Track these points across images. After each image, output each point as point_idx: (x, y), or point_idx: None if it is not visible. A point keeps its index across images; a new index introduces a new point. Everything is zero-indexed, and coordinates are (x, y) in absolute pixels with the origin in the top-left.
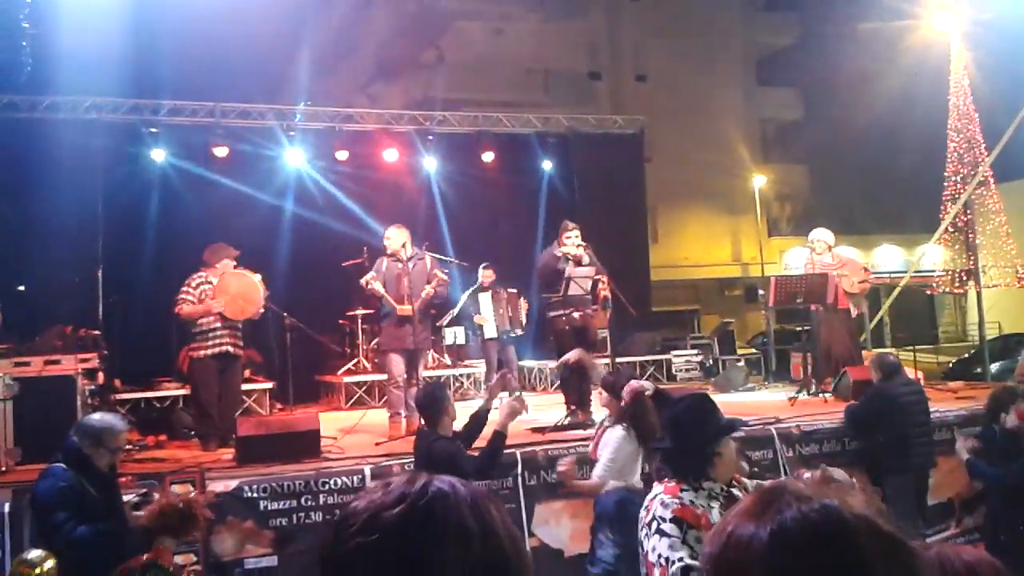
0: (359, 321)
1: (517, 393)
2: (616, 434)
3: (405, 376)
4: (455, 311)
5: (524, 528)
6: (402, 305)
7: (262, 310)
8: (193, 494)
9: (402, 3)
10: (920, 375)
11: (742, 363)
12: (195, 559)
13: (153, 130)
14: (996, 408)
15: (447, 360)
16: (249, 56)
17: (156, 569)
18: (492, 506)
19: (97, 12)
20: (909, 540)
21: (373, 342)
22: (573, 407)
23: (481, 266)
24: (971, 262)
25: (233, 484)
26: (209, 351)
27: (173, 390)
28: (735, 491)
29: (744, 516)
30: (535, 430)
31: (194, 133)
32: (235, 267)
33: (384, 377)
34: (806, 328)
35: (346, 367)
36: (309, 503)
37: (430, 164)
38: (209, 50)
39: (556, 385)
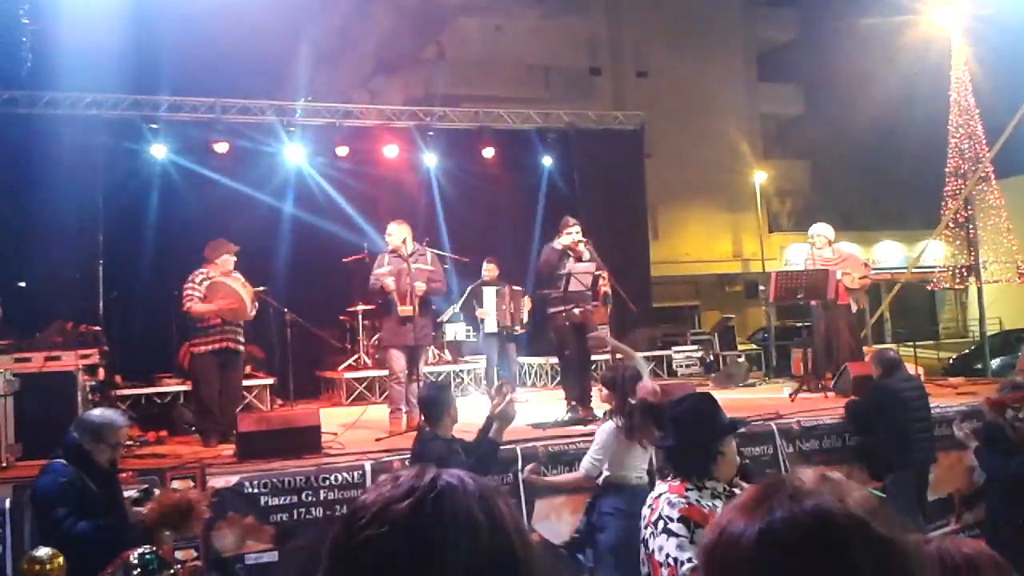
0: (360, 317)
1: (508, 397)
2: (606, 428)
3: (406, 372)
4: (456, 307)
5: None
6: (403, 306)
7: (252, 315)
8: (195, 491)
9: None
10: (920, 371)
11: (742, 359)
12: (195, 555)
13: (153, 126)
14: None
15: (448, 356)
16: (249, 52)
17: (151, 555)
18: (500, 500)
19: (97, 8)
20: (904, 542)
21: (374, 338)
22: (573, 403)
23: (485, 261)
24: (972, 258)
25: (234, 480)
26: (210, 347)
27: (174, 386)
28: (737, 491)
29: (738, 511)
30: (535, 426)
31: (194, 129)
32: (235, 263)
33: (385, 373)
34: (806, 324)
35: (347, 363)
36: (310, 499)
37: (430, 160)
38: (209, 46)
39: (556, 381)
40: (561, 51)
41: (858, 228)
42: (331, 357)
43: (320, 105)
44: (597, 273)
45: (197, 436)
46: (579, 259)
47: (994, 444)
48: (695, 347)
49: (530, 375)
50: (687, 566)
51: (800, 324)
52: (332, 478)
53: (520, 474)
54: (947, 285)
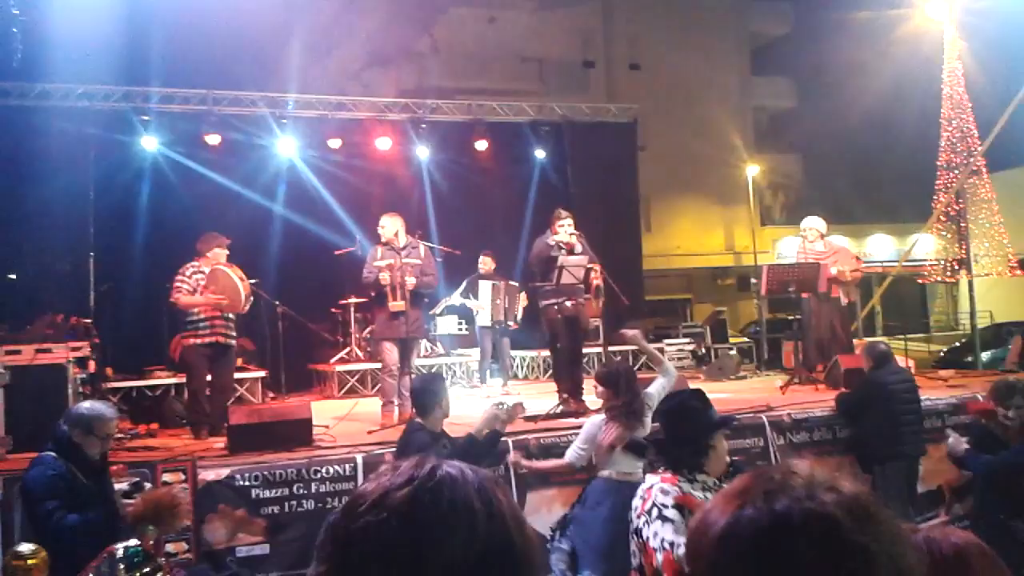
0: (351, 309)
1: (504, 405)
2: (594, 420)
3: (399, 365)
4: (449, 299)
5: None
6: (395, 301)
7: (246, 308)
8: (177, 487)
9: None
10: (911, 363)
11: (734, 352)
12: (187, 547)
13: (145, 118)
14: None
15: (440, 349)
16: (241, 43)
17: (135, 549)
18: (499, 491)
19: None
20: (870, 544)
21: (366, 331)
22: (565, 395)
23: (481, 254)
24: (963, 251)
25: (225, 472)
26: (200, 340)
27: (165, 378)
28: (727, 485)
29: (720, 500)
30: (528, 418)
31: (186, 121)
32: (227, 256)
33: (377, 366)
34: (798, 317)
35: (338, 356)
36: (301, 491)
37: (423, 153)
38: (201, 37)
39: (548, 374)
40: (555, 43)
41: (850, 221)
42: (323, 350)
43: (312, 97)
44: (589, 266)
45: (188, 428)
46: (571, 252)
47: (984, 447)
48: (687, 340)
49: (522, 368)
50: (682, 549)
51: (791, 317)
52: (324, 471)
53: (512, 466)
54: (938, 278)
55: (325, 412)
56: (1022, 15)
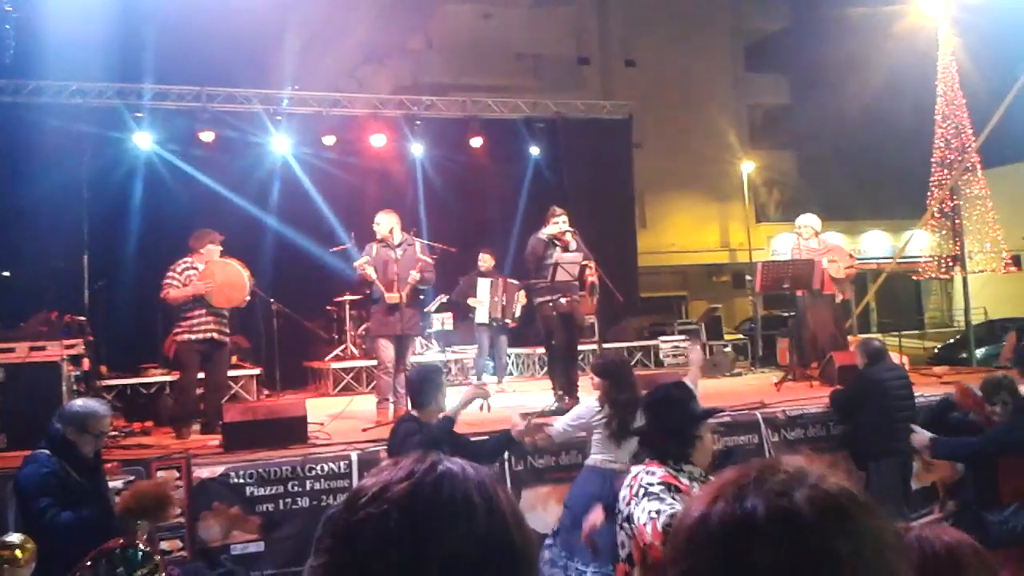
0: (347, 307)
1: (479, 381)
2: (588, 404)
3: (394, 362)
4: (444, 297)
5: None
6: (390, 292)
7: (248, 298)
8: (165, 478)
9: None
10: (905, 360)
11: (729, 348)
12: (181, 545)
13: (139, 115)
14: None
15: (435, 346)
16: (236, 40)
17: (133, 551)
18: (499, 488)
19: None
20: (838, 545)
21: (361, 328)
22: (560, 392)
23: (480, 252)
24: (957, 248)
25: (219, 470)
26: (193, 336)
27: (159, 376)
28: (712, 478)
29: (701, 493)
30: (522, 416)
31: (180, 118)
32: (221, 253)
33: (372, 363)
34: (792, 314)
35: (334, 353)
36: (296, 489)
37: (418, 149)
38: (195, 34)
39: (544, 371)
40: (550, 40)
41: (845, 218)
42: (318, 347)
43: (307, 94)
44: (584, 263)
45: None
46: (566, 249)
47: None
48: (682, 337)
49: (517, 365)
50: (667, 512)
51: (786, 314)
52: (318, 468)
53: (506, 463)
54: (932, 275)
55: (320, 409)
56: (1016, 12)
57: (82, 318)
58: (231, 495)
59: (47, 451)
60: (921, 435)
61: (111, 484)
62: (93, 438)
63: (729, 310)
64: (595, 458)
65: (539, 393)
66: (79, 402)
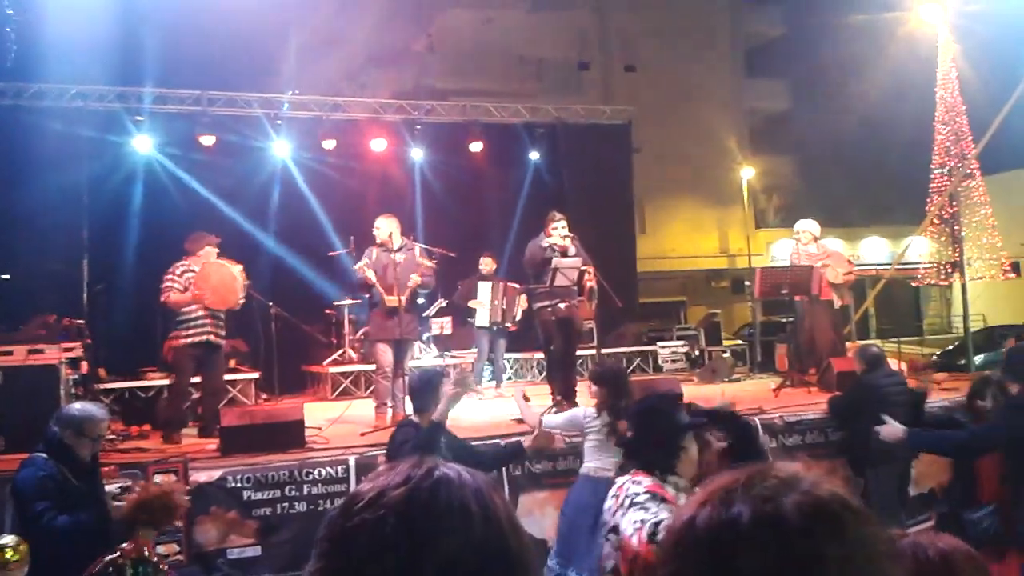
0: (345, 311)
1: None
2: (586, 410)
3: (393, 366)
4: (445, 301)
5: None
6: (390, 296)
7: (242, 301)
8: (171, 481)
9: None
10: (904, 366)
11: (727, 354)
12: (178, 549)
13: (139, 118)
14: (973, 395)
15: (434, 350)
16: (236, 44)
17: (140, 562)
18: (496, 494)
19: None
20: (826, 551)
21: (359, 332)
22: (559, 397)
23: (482, 255)
24: (956, 254)
25: (217, 474)
26: (189, 339)
27: (158, 380)
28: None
29: (693, 498)
30: (520, 421)
31: (180, 122)
32: (217, 255)
33: (371, 367)
34: (791, 320)
35: (332, 357)
36: (293, 493)
37: (418, 154)
38: (196, 37)
39: (542, 376)
40: (550, 45)
41: (844, 224)
42: (316, 351)
43: (307, 98)
44: (583, 268)
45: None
46: (565, 254)
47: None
48: (681, 342)
49: (516, 369)
50: (652, 520)
51: (785, 320)
52: (316, 472)
53: (504, 469)
54: (932, 281)
55: (318, 414)
56: (1016, 18)
57: (81, 321)
58: (228, 499)
59: (44, 454)
60: (892, 426)
61: (108, 488)
62: (90, 442)
63: (728, 316)
64: (589, 466)
65: (537, 398)
66: (77, 405)
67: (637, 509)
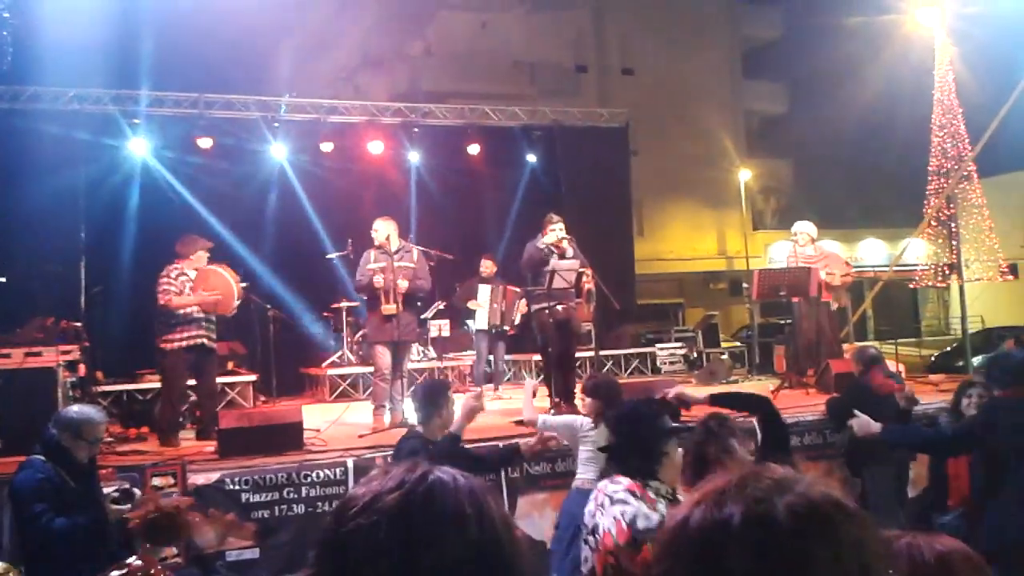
0: (344, 313)
1: (477, 390)
2: (584, 420)
3: (391, 368)
4: (443, 304)
5: None
6: (387, 304)
7: (234, 310)
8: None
9: None
10: (902, 368)
11: (726, 356)
12: (176, 552)
13: (136, 121)
14: (957, 399)
15: (432, 353)
16: (233, 47)
17: None
18: (490, 497)
19: (80, 1)
20: (817, 551)
21: (358, 334)
22: (557, 400)
23: (482, 258)
24: (954, 256)
25: (215, 476)
26: (184, 343)
27: (155, 383)
28: (681, 497)
29: (689, 497)
30: (518, 423)
31: (177, 125)
32: (209, 260)
33: (369, 370)
34: (788, 321)
35: (330, 359)
36: (291, 495)
37: (415, 157)
38: (193, 40)
39: (540, 378)
40: (547, 48)
41: (841, 226)
42: (315, 353)
43: (305, 101)
44: (581, 270)
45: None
46: (563, 256)
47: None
48: (679, 344)
49: (515, 372)
50: (630, 513)
51: (783, 321)
52: (314, 475)
53: (503, 471)
54: (929, 283)
55: (316, 416)
56: (1013, 21)
57: (78, 324)
58: (226, 501)
59: (42, 457)
60: (862, 419)
61: (105, 490)
62: (88, 444)
63: (726, 317)
64: (582, 478)
65: (535, 401)
66: (75, 408)
67: (617, 504)
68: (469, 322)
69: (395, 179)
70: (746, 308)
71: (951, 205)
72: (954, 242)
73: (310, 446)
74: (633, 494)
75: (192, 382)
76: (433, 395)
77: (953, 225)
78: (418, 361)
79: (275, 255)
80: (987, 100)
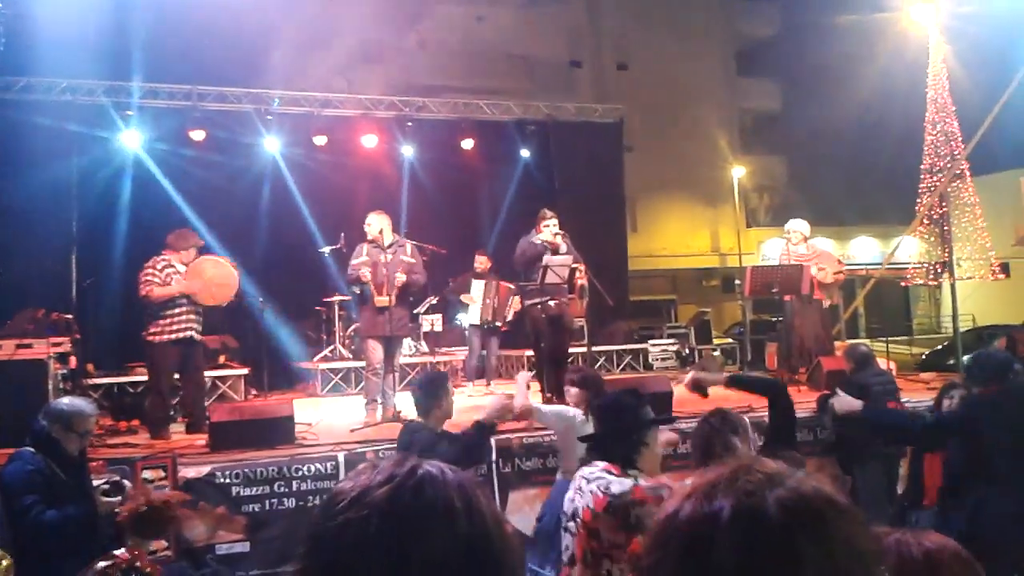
0: (336, 307)
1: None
2: (576, 411)
3: (383, 363)
4: (436, 298)
5: None
6: (380, 296)
7: (232, 297)
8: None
9: None
10: (893, 366)
11: (718, 352)
12: (166, 545)
13: (129, 113)
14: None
15: (424, 347)
16: (227, 39)
17: (132, 571)
18: (479, 491)
19: None
20: (805, 546)
21: (350, 328)
22: (549, 395)
23: (476, 252)
24: (946, 254)
25: (205, 470)
26: (172, 336)
27: (147, 375)
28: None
29: (681, 489)
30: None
31: (170, 117)
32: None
33: (361, 364)
34: (781, 318)
35: (322, 353)
36: (282, 489)
37: (409, 151)
38: (186, 32)
39: (532, 374)
40: (542, 43)
41: (834, 223)
42: (307, 347)
43: (298, 94)
44: (574, 266)
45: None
46: (556, 252)
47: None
48: (671, 340)
49: (507, 367)
50: (612, 482)
51: (775, 318)
52: (305, 469)
53: (494, 466)
54: (921, 281)
55: (308, 410)
56: (1006, 20)
57: (69, 316)
58: (217, 495)
59: (32, 449)
60: (844, 398)
61: (95, 482)
62: (78, 436)
63: (718, 314)
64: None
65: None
66: (65, 400)
67: (594, 481)
68: (461, 316)
69: (388, 173)
70: (738, 305)
71: (943, 203)
72: (946, 241)
73: (301, 440)
74: (609, 472)
75: (178, 375)
76: (433, 387)
77: (945, 223)
78: (410, 356)
79: (268, 248)
80: (980, 98)
